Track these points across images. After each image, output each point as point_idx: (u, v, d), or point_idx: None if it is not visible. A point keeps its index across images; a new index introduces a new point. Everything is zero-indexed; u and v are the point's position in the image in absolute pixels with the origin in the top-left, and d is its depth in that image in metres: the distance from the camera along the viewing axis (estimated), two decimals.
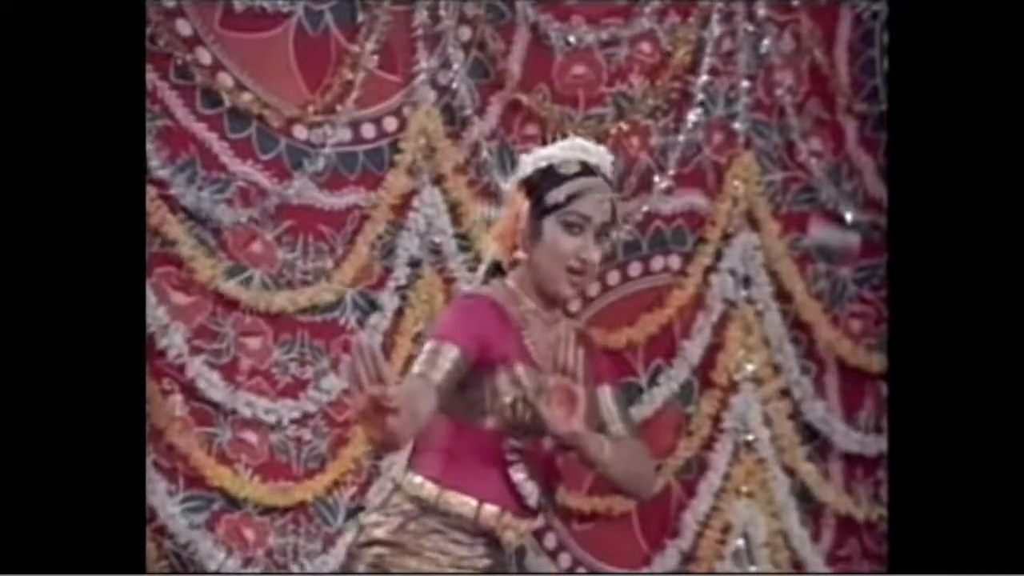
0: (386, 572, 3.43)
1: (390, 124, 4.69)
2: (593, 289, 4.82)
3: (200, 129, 4.48)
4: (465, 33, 4.78)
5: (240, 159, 4.53)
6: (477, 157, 4.73)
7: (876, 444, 5.21)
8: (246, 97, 4.53)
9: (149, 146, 4.48)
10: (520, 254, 3.53)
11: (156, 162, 4.45)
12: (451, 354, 3.37)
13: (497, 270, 3.61)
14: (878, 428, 5.22)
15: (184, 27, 4.46)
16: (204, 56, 4.42)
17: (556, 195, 3.50)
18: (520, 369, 3.45)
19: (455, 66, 4.74)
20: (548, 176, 3.54)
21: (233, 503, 4.56)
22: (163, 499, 4.48)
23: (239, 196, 4.58)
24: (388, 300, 4.75)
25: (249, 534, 4.59)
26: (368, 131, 4.69)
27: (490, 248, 3.73)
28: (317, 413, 4.66)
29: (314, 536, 4.65)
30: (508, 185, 3.84)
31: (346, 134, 4.66)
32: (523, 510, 3.47)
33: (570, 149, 3.63)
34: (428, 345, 3.46)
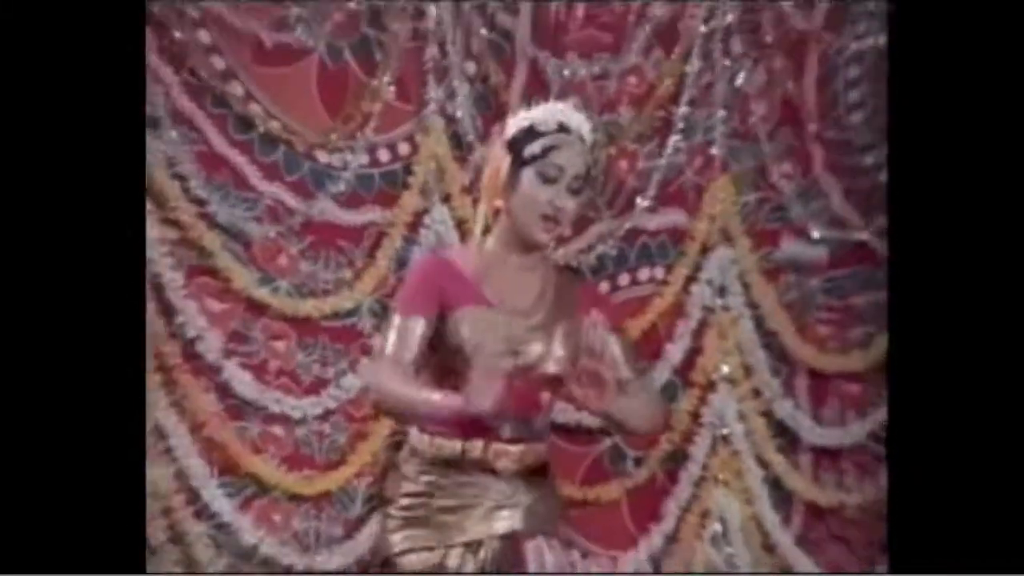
0: (399, 572, 3.55)
1: (403, 149, 4.80)
2: None
3: (233, 154, 4.59)
4: (470, 68, 4.89)
5: (268, 180, 4.64)
6: (481, 179, 4.79)
7: (840, 438, 5.35)
8: (274, 125, 4.62)
9: (190, 167, 4.58)
10: (499, 203, 3.66)
11: (195, 182, 4.55)
12: (418, 327, 3.57)
13: (489, 229, 3.75)
14: (842, 423, 5.32)
15: (219, 62, 4.56)
16: (237, 88, 4.54)
17: (533, 148, 3.61)
18: (472, 309, 3.59)
19: (460, 97, 4.86)
20: (528, 133, 3.66)
21: (264, 489, 4.67)
22: (204, 483, 4.58)
23: (267, 213, 4.69)
24: None
25: (277, 518, 4.69)
26: (384, 155, 4.79)
27: (482, 209, 3.81)
28: (337, 409, 4.77)
29: (335, 522, 4.77)
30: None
31: (364, 158, 4.76)
32: (508, 439, 3.63)
33: (549, 111, 3.76)
34: (396, 321, 3.65)
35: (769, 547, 5.14)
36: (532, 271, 3.70)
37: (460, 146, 4.85)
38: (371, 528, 4.83)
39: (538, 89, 4.79)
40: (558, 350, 3.66)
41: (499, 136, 3.80)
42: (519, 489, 3.65)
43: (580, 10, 5.05)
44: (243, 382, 4.69)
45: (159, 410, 4.68)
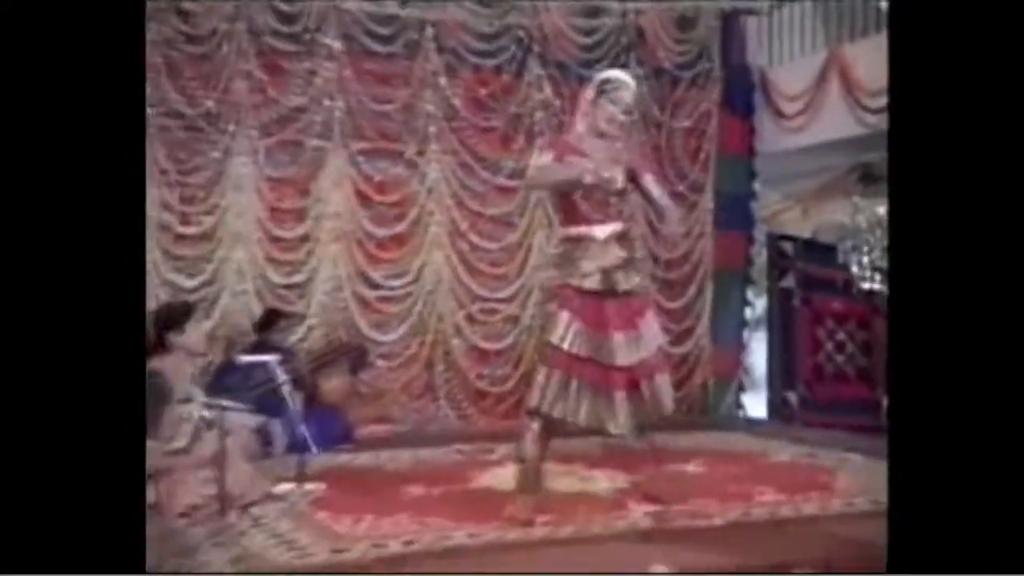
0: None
1: (527, 159, 6.87)
2: None
3: (475, 166, 7.13)
4: (545, 135, 7.09)
5: (487, 173, 7.20)
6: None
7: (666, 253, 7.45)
8: (489, 156, 7.16)
9: (460, 172, 6.96)
10: (587, 115, 4.23)
11: (462, 178, 7.04)
12: (547, 155, 4.36)
13: None
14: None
15: (476, 135, 7.05)
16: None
17: (604, 87, 4.19)
18: (575, 158, 4.16)
19: (538, 140, 7.11)
20: (603, 81, 4.24)
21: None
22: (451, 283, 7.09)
23: (485, 183, 7.22)
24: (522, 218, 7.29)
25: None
26: (521, 163, 7.06)
27: (579, 115, 4.34)
28: (494, 234, 7.23)
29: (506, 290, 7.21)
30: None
31: (513, 164, 7.20)
32: (599, 221, 4.14)
33: (612, 72, 4.39)
34: (539, 159, 4.55)
35: None
36: (607, 145, 4.21)
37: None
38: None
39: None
40: (618, 176, 4.15)
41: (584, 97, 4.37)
42: (612, 246, 4.20)
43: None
44: (475, 239, 7.24)
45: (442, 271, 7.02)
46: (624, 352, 4.10)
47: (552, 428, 4.16)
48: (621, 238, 4.26)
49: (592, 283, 4.11)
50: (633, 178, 4.21)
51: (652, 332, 4.25)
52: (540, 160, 4.34)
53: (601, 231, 4.17)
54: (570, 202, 4.21)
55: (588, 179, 4.05)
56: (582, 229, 4.20)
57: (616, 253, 4.19)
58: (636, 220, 6.31)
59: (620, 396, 4.09)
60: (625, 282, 4.17)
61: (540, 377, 4.09)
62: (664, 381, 4.22)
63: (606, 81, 4.23)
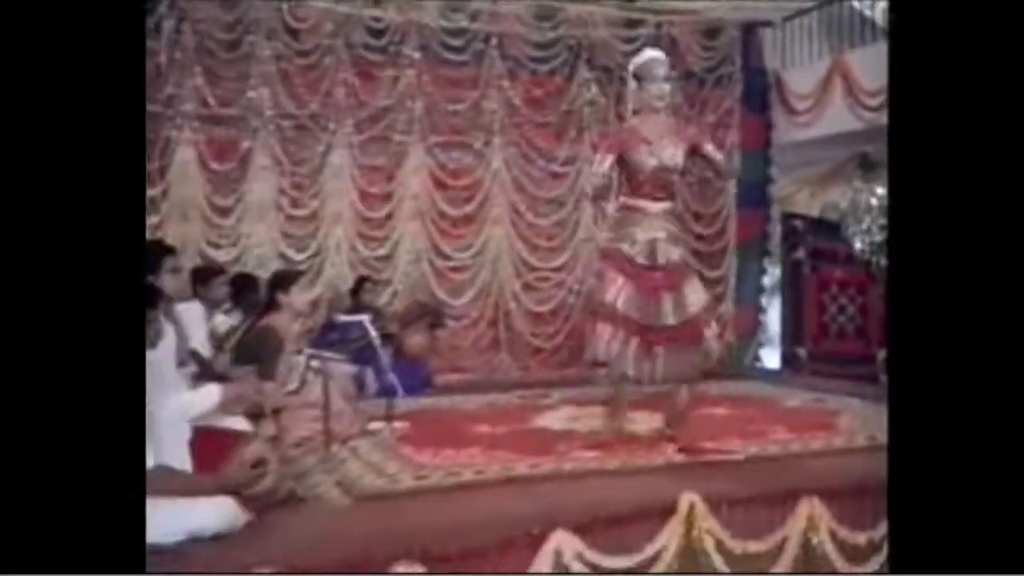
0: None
1: (580, 149, 7.10)
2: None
3: (538, 160, 7.12)
4: (594, 129, 7.05)
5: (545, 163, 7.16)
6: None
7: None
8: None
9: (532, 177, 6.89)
10: (637, 101, 4.00)
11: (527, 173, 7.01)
12: (607, 159, 3.96)
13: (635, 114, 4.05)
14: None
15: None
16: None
17: (640, 71, 3.98)
18: (635, 146, 3.93)
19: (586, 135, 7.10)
20: (640, 65, 4.01)
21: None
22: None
23: (548, 175, 7.20)
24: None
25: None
26: (573, 152, 7.15)
27: (628, 100, 4.12)
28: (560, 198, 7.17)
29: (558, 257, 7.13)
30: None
31: (569, 151, 7.17)
32: (653, 198, 3.93)
33: (646, 54, 4.09)
34: (597, 158, 4.07)
35: None
36: (657, 119, 3.98)
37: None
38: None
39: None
40: (679, 154, 4.01)
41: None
42: (660, 220, 4.03)
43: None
44: (531, 218, 7.15)
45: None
46: (671, 313, 3.91)
47: (617, 373, 3.99)
48: (669, 214, 4.11)
49: (640, 255, 3.92)
50: (695, 151, 4.02)
51: (697, 295, 4.02)
52: (602, 167, 3.96)
53: (656, 207, 3.98)
54: (636, 180, 4.00)
55: (652, 163, 3.90)
56: (640, 202, 4.00)
57: (664, 226, 4.01)
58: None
59: (660, 352, 3.91)
60: (667, 253, 3.95)
61: (596, 331, 3.90)
62: (711, 335, 4.03)
63: (640, 67, 4.04)
